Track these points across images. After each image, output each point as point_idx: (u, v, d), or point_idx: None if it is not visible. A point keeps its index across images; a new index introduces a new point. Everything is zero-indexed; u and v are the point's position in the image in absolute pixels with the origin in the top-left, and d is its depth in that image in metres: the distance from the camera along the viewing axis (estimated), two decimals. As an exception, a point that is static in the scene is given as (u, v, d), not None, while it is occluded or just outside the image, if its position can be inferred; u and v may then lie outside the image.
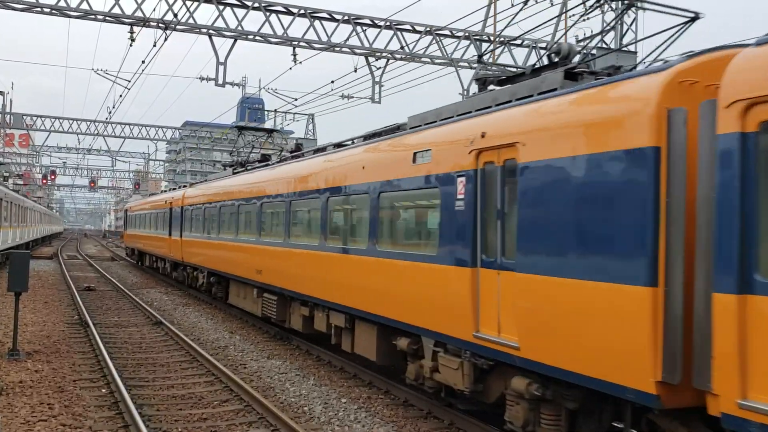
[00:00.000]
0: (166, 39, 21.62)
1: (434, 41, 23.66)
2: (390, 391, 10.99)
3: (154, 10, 21.15)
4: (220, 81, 22.96)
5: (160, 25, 21.29)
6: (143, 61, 23.85)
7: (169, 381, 11.54)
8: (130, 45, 22.23)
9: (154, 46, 22.18)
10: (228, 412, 9.72)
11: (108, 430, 8.81)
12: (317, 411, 9.88)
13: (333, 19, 23.03)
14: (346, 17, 23.09)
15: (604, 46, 22.85)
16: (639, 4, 21.52)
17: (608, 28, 22.06)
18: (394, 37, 23.49)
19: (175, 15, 21.17)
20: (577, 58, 8.64)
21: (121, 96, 34.18)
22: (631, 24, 22.68)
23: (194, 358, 13.41)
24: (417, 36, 23.78)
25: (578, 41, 23.56)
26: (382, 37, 23.61)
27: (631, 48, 22.59)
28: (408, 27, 23.66)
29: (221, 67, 22.79)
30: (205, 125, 64.01)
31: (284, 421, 8.80)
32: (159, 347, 14.68)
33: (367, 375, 11.85)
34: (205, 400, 10.32)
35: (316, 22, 22.80)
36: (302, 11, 22.60)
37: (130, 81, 30.79)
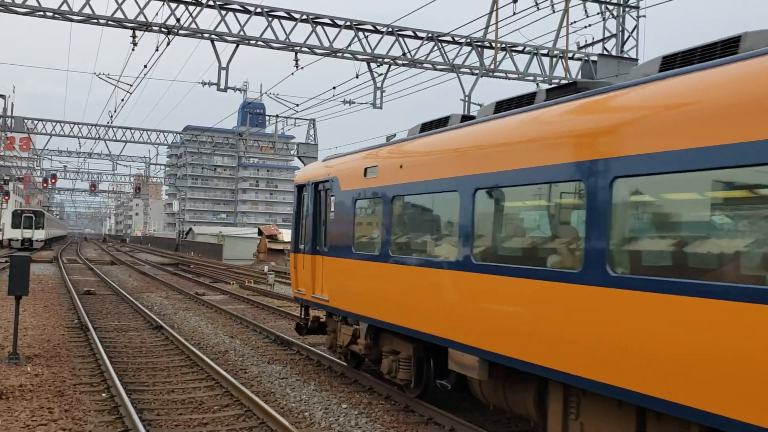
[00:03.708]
0: (168, 44, 21.68)
1: (436, 47, 23.71)
2: (390, 396, 10.97)
3: (157, 14, 21.23)
4: (222, 86, 23.02)
5: (163, 29, 21.34)
6: (145, 66, 23.90)
7: (169, 385, 11.52)
8: (132, 49, 22.29)
9: (157, 50, 22.25)
10: (228, 417, 9.70)
11: (108, 435, 8.79)
12: (318, 416, 9.87)
13: (335, 25, 23.08)
14: (348, 23, 23.14)
15: (605, 52, 22.89)
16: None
17: (609, 36, 22.14)
18: (396, 43, 23.53)
19: (178, 20, 21.23)
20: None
21: (122, 100, 34.33)
22: (632, 31, 22.72)
23: (194, 362, 13.39)
24: (419, 42, 23.83)
25: (579, 48, 23.65)
26: (384, 43, 23.66)
27: (632, 54, 22.65)
28: (410, 33, 23.70)
29: (223, 72, 22.85)
30: (206, 130, 64.09)
31: (285, 426, 8.78)
32: (159, 351, 14.66)
33: (367, 381, 11.83)
34: (206, 405, 10.30)
35: (318, 28, 22.84)
36: (304, 17, 22.65)
37: (131, 85, 30.86)
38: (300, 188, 13.91)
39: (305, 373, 12.85)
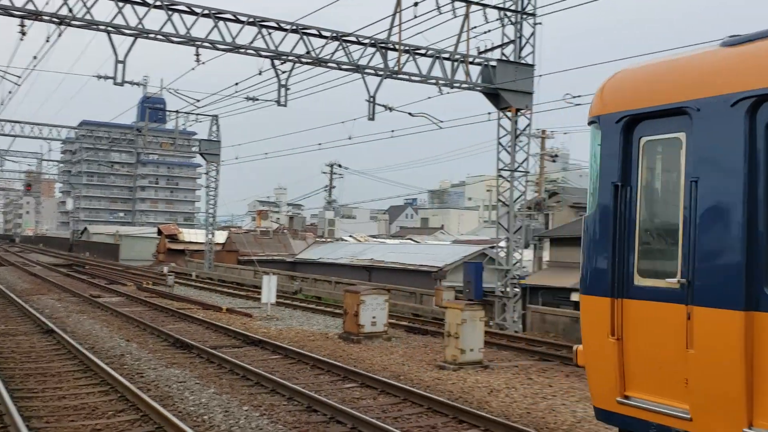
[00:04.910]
0: (60, 34, 20.72)
1: (341, 47, 23.75)
2: (293, 397, 10.95)
3: (48, 3, 20.19)
4: (119, 80, 22.18)
5: (54, 19, 20.36)
6: (35, 57, 22.76)
7: (60, 392, 11.05)
8: (21, 39, 21.16)
9: (47, 41, 21.23)
10: (123, 422, 9.41)
11: (-8, 446, 8.36)
12: (218, 419, 9.72)
13: (238, 21, 22.70)
14: (251, 19, 22.81)
15: (504, 58, 23.63)
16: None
17: (507, 42, 22.88)
18: (301, 41, 23.40)
19: (70, 10, 20.30)
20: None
21: (10, 92, 32.44)
22: (529, 38, 23.53)
23: (88, 367, 12.90)
24: (323, 41, 23.79)
25: (479, 53, 24.27)
26: (289, 41, 23.47)
27: (529, 60, 23.48)
28: (314, 32, 23.63)
29: (120, 66, 22.03)
30: (103, 125, 61.67)
31: (183, 430, 8.61)
32: (50, 356, 14.03)
33: (270, 382, 11.76)
34: (99, 411, 9.95)
35: (221, 23, 22.41)
36: (206, 11, 22.16)
37: (20, 77, 29.29)
38: (628, 127, 5.54)
39: (205, 376, 12.62)
